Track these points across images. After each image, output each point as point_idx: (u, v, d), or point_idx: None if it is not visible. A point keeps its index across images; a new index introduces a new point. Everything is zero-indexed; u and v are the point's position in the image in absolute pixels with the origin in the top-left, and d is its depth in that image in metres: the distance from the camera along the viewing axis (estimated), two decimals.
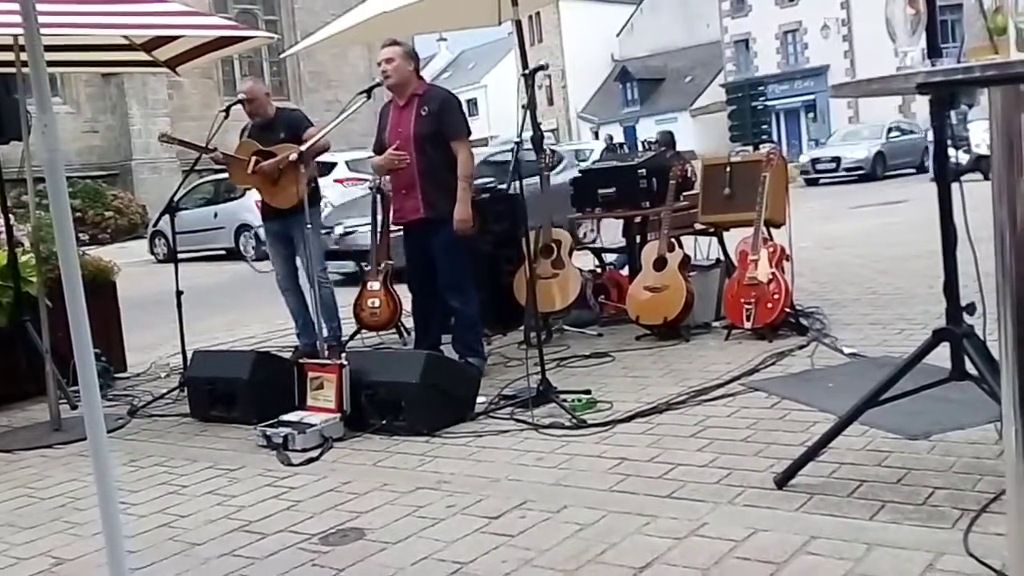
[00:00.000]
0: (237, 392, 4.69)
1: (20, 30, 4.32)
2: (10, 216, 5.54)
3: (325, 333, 5.51)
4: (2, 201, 5.47)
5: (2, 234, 5.56)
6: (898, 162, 24.35)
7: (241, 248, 17.34)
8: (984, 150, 17.43)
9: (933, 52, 2.32)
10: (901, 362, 2.99)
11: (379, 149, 5.16)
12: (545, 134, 5.94)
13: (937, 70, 1.69)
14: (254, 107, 5.89)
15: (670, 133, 10.17)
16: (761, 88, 38.96)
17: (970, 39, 1.76)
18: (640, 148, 6.92)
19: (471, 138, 5.14)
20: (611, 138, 29.79)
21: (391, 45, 5.02)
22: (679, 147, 9.35)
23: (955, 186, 2.87)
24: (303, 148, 5.08)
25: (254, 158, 5.69)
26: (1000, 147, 1.70)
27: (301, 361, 4.59)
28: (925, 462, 3.10)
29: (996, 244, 1.81)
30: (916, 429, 3.36)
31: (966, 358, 2.87)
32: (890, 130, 25.54)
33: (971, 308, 2.88)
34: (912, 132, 25.96)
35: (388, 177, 5.35)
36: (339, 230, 10.63)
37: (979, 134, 16.55)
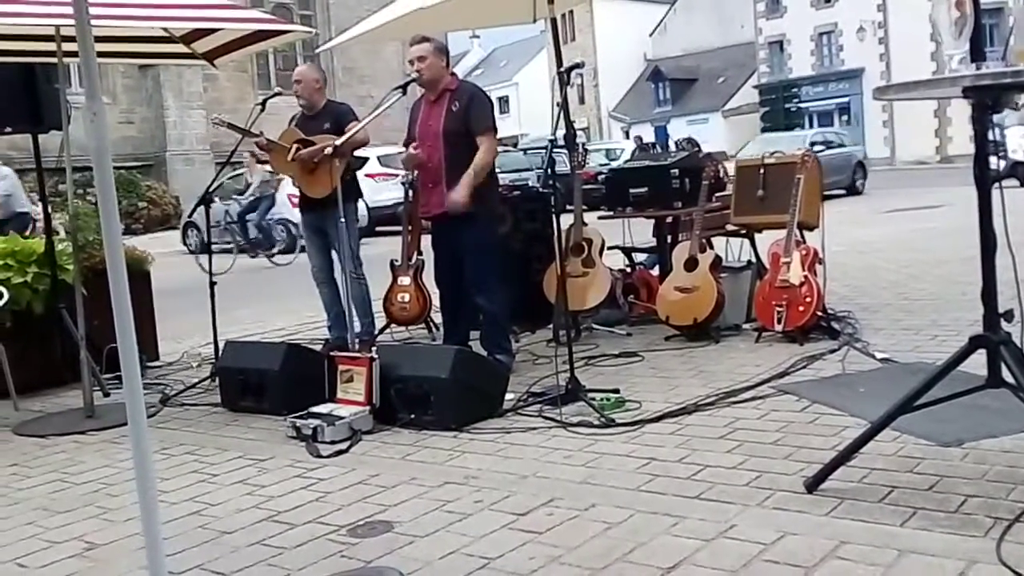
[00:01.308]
0: (268, 383, 4.72)
1: (64, 20, 4.39)
2: (48, 204, 5.62)
3: (357, 328, 5.53)
4: (41, 189, 5.56)
5: (40, 222, 5.64)
6: (824, 182, 19.85)
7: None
8: (1020, 156, 17.15)
9: (977, 55, 2.29)
10: (936, 368, 2.96)
11: (409, 143, 5.19)
12: (577, 132, 5.93)
13: (985, 73, 1.67)
14: (301, 89, 5.93)
15: (692, 139, 10.09)
16: (795, 90, 38.70)
17: (1018, 41, 1.74)
18: (673, 148, 6.88)
19: (503, 135, 5.14)
20: (640, 139, 29.67)
21: (421, 42, 5.03)
22: (709, 148, 9.30)
23: (993, 191, 2.84)
24: (340, 140, 5.10)
25: (295, 146, 5.72)
26: None
27: (332, 354, 4.62)
28: (958, 470, 3.07)
29: None
30: (949, 436, 3.33)
31: (1003, 365, 2.84)
32: (813, 144, 20.13)
33: (1009, 315, 2.85)
34: (842, 146, 22.15)
35: (418, 172, 5.36)
36: None
37: (1016, 140, 16.34)
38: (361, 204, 7.13)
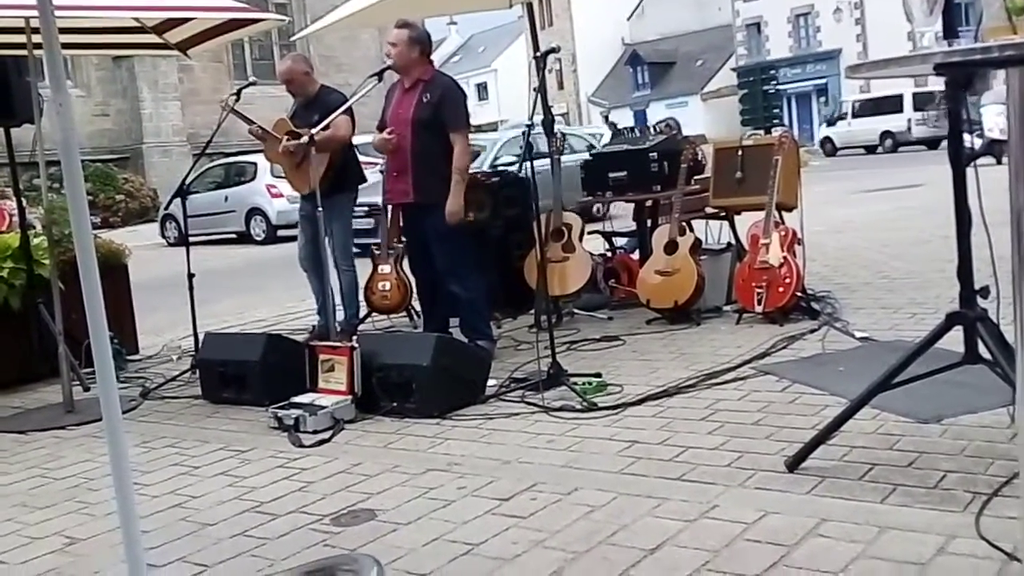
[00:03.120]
0: (248, 374, 4.70)
1: (32, 12, 4.34)
2: (23, 199, 5.56)
3: (340, 317, 5.48)
4: (15, 184, 5.50)
5: (16, 217, 5.59)
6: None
7: (251, 232, 17.35)
8: (997, 135, 17.30)
9: (949, 33, 2.30)
10: (914, 345, 2.98)
11: (383, 127, 5.16)
12: (556, 118, 5.91)
13: (955, 50, 1.68)
14: (293, 87, 5.89)
15: (670, 123, 10.05)
16: (773, 72, 38.69)
17: (988, 19, 1.74)
18: (652, 131, 6.88)
19: (482, 121, 5.14)
20: (615, 125, 29.51)
21: (400, 28, 5.02)
22: (688, 131, 9.29)
23: (969, 170, 2.85)
24: (315, 130, 5.04)
25: (285, 137, 5.66)
26: (1018, 129, 1.68)
27: (312, 343, 4.60)
28: (937, 446, 3.10)
29: (1012, 227, 1.80)
30: (928, 413, 3.35)
31: (979, 342, 2.86)
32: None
33: (985, 291, 2.87)
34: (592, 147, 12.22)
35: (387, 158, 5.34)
36: None
37: (991, 118, 16.44)
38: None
